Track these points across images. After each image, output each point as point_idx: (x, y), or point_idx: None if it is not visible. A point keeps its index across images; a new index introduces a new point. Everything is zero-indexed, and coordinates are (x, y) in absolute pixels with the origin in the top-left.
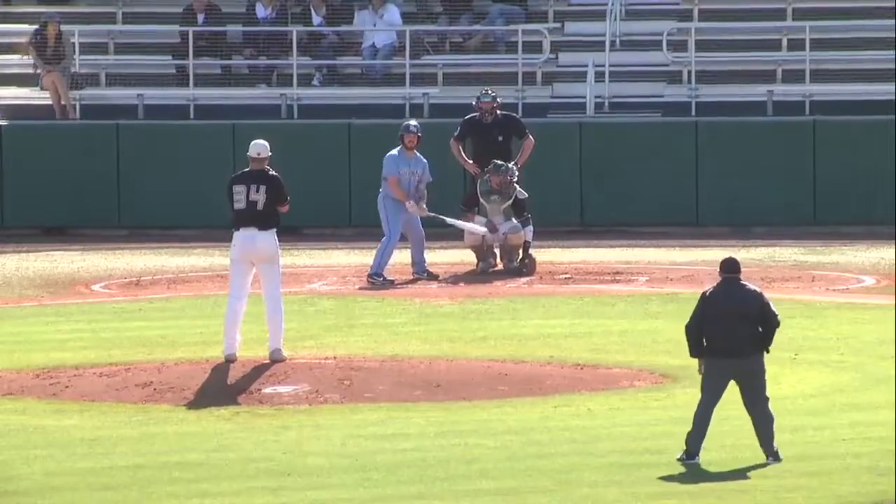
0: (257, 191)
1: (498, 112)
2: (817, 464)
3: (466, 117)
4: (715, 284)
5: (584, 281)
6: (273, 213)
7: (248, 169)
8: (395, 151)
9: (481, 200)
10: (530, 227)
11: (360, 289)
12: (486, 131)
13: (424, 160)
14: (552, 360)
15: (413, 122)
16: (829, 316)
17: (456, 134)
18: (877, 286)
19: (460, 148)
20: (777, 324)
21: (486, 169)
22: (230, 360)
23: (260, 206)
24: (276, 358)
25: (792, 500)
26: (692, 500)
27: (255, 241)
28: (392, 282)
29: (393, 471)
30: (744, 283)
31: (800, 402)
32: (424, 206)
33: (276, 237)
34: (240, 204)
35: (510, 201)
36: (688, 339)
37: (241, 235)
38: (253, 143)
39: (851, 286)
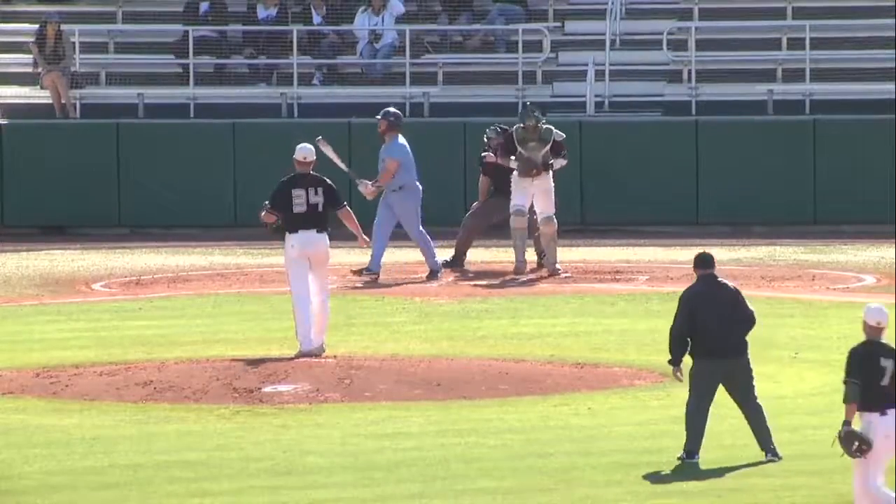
0: (316, 193)
1: None
2: (817, 463)
3: (482, 155)
4: (694, 283)
5: (584, 280)
6: (327, 216)
7: (300, 172)
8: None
9: (518, 149)
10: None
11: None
12: (501, 168)
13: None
14: (552, 359)
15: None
16: (830, 315)
17: (482, 171)
18: (877, 285)
19: (487, 182)
20: (753, 319)
21: (521, 112)
22: (314, 354)
23: (320, 209)
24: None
25: (792, 499)
26: (692, 500)
27: (315, 243)
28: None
29: (393, 470)
30: (722, 280)
31: (799, 401)
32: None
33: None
34: (300, 207)
35: (548, 146)
36: (672, 344)
37: (301, 237)
38: (300, 146)
39: (851, 285)
